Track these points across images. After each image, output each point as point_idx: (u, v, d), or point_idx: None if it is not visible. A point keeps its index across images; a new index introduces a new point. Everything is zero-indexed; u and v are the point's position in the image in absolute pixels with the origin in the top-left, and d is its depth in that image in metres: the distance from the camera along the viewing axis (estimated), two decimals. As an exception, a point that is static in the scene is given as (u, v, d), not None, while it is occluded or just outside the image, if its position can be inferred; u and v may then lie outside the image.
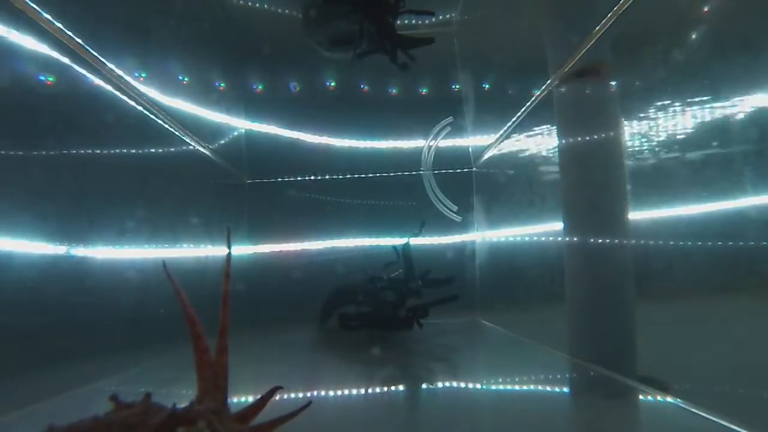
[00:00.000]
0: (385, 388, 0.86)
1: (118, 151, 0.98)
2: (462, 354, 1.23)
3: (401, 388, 0.88)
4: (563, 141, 1.03)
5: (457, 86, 1.80)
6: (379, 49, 1.39)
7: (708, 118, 0.66)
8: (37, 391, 0.71)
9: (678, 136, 0.72)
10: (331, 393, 0.84)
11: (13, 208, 0.70)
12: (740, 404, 0.58)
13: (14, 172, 0.71)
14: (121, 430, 0.36)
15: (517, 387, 0.86)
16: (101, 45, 0.85)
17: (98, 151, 0.91)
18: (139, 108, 1.02)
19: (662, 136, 0.75)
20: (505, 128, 1.37)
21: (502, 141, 1.43)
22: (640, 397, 0.73)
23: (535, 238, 1.24)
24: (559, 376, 0.93)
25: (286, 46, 1.72)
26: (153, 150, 1.13)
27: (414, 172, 1.78)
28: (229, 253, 0.47)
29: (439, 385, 0.89)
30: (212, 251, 1.43)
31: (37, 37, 0.73)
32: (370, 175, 1.78)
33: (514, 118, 1.28)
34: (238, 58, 1.74)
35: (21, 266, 0.70)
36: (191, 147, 1.29)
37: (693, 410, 0.63)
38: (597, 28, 0.83)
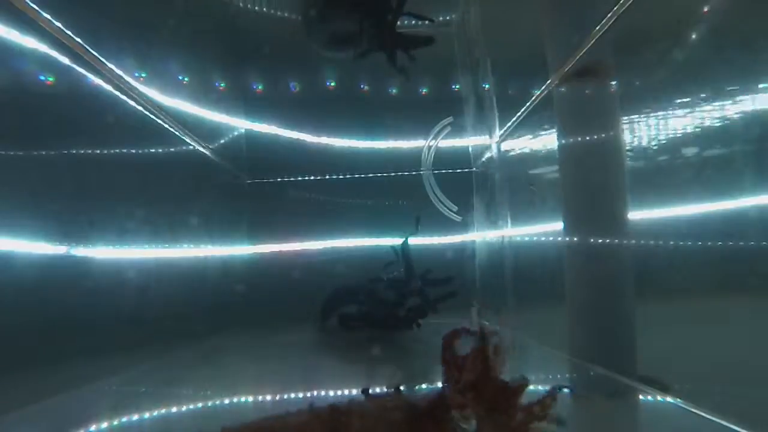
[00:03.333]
0: (385, 388, 0.86)
1: (118, 151, 0.98)
2: (462, 354, 1.22)
3: (401, 388, 0.87)
4: (563, 141, 1.03)
5: (457, 86, 1.80)
6: (380, 49, 1.39)
7: (708, 118, 0.66)
8: (37, 391, 0.70)
9: (678, 136, 0.72)
10: (331, 393, 0.84)
11: (13, 208, 0.70)
12: (740, 404, 0.58)
13: (14, 172, 0.70)
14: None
15: (517, 387, 0.86)
16: (101, 45, 0.85)
17: (98, 151, 0.91)
18: (139, 108, 1.02)
19: (662, 136, 0.75)
20: (505, 128, 1.36)
21: (502, 141, 1.43)
22: (640, 397, 0.73)
23: (535, 238, 1.24)
24: (559, 376, 0.93)
25: (286, 46, 1.71)
26: (153, 150, 1.13)
27: (414, 172, 1.78)
28: None
29: (439, 385, 0.89)
30: (212, 251, 1.43)
31: (37, 37, 0.73)
32: (370, 175, 1.78)
33: (514, 118, 1.28)
34: (238, 58, 1.74)
35: (21, 266, 0.70)
36: (191, 147, 1.29)
37: (693, 410, 0.63)
38: (597, 28, 0.83)
